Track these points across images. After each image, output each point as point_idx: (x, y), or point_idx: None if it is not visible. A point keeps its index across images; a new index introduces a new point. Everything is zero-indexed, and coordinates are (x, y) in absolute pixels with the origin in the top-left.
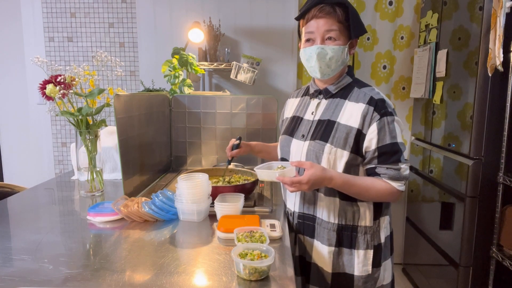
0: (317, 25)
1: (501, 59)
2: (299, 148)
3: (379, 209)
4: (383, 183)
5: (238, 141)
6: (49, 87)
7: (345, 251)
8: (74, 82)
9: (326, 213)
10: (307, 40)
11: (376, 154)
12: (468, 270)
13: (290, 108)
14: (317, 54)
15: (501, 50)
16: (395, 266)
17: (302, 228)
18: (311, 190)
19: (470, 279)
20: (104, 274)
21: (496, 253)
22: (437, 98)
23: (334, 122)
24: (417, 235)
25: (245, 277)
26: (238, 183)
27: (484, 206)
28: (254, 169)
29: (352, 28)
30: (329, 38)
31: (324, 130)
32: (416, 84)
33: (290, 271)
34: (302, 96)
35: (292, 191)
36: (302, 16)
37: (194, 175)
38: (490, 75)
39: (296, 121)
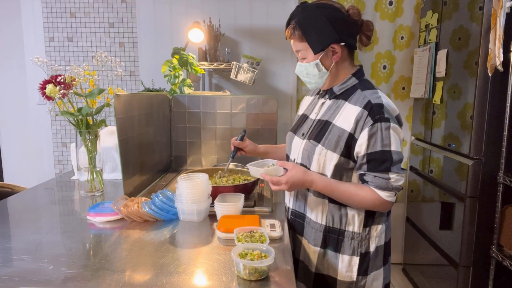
0: (292, 45)
1: (501, 59)
2: (297, 146)
3: (371, 216)
4: (369, 191)
5: (243, 133)
6: (49, 87)
7: (330, 254)
8: (74, 82)
9: (315, 213)
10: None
11: (365, 160)
12: (468, 270)
13: (303, 106)
14: (296, 71)
15: (501, 50)
16: (395, 266)
17: (294, 225)
18: (292, 190)
19: (470, 279)
20: (104, 274)
21: (496, 253)
22: (437, 98)
23: (329, 124)
24: (417, 235)
25: (245, 277)
26: (238, 183)
27: (484, 206)
28: (247, 165)
29: (311, 46)
30: (300, 58)
31: (319, 130)
32: (416, 84)
33: (290, 271)
34: (315, 95)
35: (274, 190)
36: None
37: (194, 175)
38: (490, 75)
39: (302, 119)
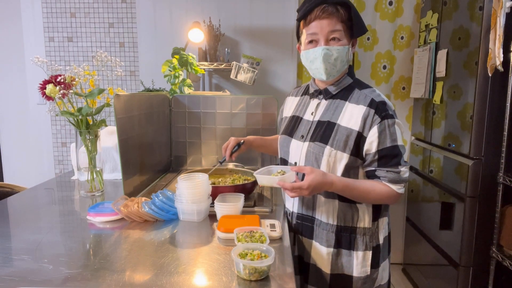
0: (321, 26)
1: (501, 59)
2: (298, 149)
3: (378, 210)
4: (383, 186)
5: (240, 145)
6: (49, 87)
7: (344, 252)
8: (74, 82)
9: (325, 215)
10: (310, 42)
11: (377, 157)
12: (468, 270)
13: (289, 107)
14: (323, 56)
15: (501, 50)
16: (395, 266)
17: (300, 229)
18: (312, 195)
19: (470, 279)
20: (104, 274)
21: (496, 253)
22: (437, 98)
23: (334, 124)
24: (417, 235)
25: (245, 277)
26: (238, 183)
27: (484, 206)
28: (254, 174)
29: (354, 28)
30: (333, 39)
31: (324, 131)
32: (416, 84)
33: (290, 271)
34: (302, 95)
35: (293, 197)
36: (304, 17)
37: (194, 175)
38: (490, 75)
39: (295, 121)
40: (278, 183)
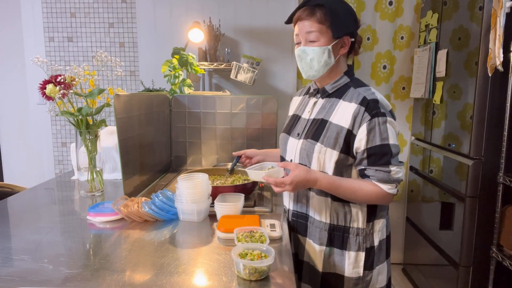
0: (299, 27)
1: (501, 59)
2: (293, 147)
3: (373, 211)
4: (372, 186)
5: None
6: (49, 87)
7: (336, 252)
8: (74, 82)
9: (318, 212)
10: (297, 43)
11: (365, 155)
12: (468, 270)
13: (293, 106)
14: (298, 56)
15: (501, 50)
16: (395, 266)
17: (295, 226)
18: (296, 191)
19: (470, 279)
20: (104, 274)
21: (496, 253)
22: (437, 98)
23: (326, 122)
24: (417, 235)
25: (245, 277)
26: (238, 183)
27: (484, 206)
28: (246, 169)
29: (331, 28)
30: (310, 40)
31: (316, 129)
32: (416, 84)
33: (290, 271)
34: (304, 95)
35: (277, 191)
36: (290, 20)
37: (194, 175)
38: (490, 75)
39: (295, 119)
40: (263, 178)
